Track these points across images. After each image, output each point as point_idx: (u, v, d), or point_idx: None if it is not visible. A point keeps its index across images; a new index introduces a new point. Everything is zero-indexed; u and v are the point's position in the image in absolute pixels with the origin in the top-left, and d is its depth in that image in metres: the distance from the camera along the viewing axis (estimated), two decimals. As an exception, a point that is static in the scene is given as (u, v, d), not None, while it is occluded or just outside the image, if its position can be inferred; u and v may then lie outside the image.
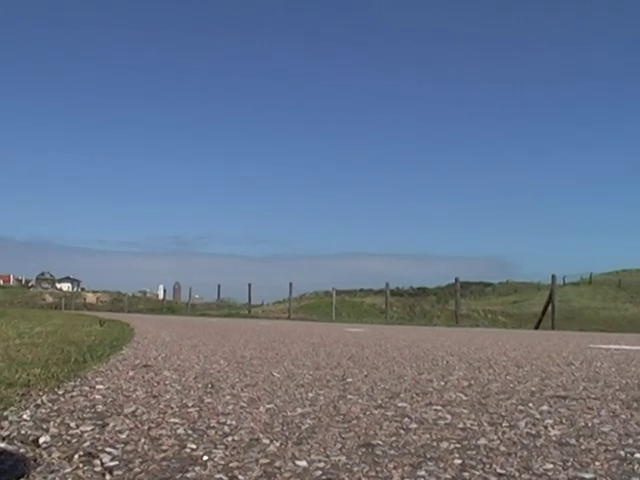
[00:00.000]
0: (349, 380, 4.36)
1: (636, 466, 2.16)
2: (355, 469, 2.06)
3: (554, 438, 2.59)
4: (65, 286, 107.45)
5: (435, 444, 2.44)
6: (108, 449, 2.26)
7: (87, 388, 3.73)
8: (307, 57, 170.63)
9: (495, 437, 2.59)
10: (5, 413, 2.83)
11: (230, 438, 2.47)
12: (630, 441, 2.56)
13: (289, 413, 3.04)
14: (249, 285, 41.01)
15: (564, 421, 2.97)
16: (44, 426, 2.61)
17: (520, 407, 3.35)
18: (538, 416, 3.09)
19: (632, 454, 2.34)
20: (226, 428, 2.66)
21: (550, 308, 24.38)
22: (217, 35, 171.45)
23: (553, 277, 24.96)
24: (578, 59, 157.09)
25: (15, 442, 2.33)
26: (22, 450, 2.22)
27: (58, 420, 2.74)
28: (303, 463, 2.12)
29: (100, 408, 3.08)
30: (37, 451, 2.22)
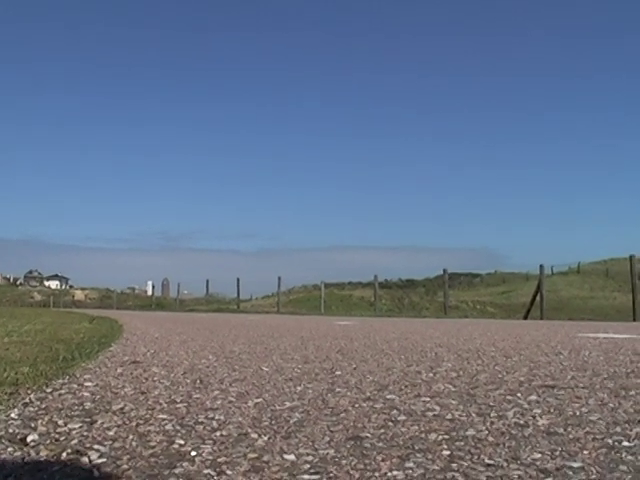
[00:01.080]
0: (338, 373, 4.36)
1: (624, 454, 2.17)
2: (343, 462, 2.06)
3: (542, 428, 2.60)
4: (53, 284, 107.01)
5: (423, 436, 2.44)
6: (96, 446, 2.26)
7: (75, 386, 3.72)
8: (294, 49, 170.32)
9: (483, 428, 2.59)
10: (-7, 412, 2.82)
11: (218, 433, 2.47)
12: (618, 429, 2.57)
13: (278, 407, 3.04)
14: (237, 280, 41.02)
15: (552, 410, 2.98)
16: (32, 424, 2.60)
17: (508, 397, 3.36)
18: (526, 406, 3.10)
19: (620, 442, 2.34)
20: (214, 423, 2.66)
21: (538, 298, 24.47)
22: (212, 27, 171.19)
23: (541, 267, 25.04)
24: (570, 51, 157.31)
25: (3, 441, 2.33)
26: (10, 449, 2.22)
27: (46, 418, 2.73)
28: (291, 457, 2.12)
29: (88, 405, 3.08)
30: (25, 450, 2.21)
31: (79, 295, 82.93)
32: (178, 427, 2.58)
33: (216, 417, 2.79)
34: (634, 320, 20.37)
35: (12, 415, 2.78)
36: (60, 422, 2.66)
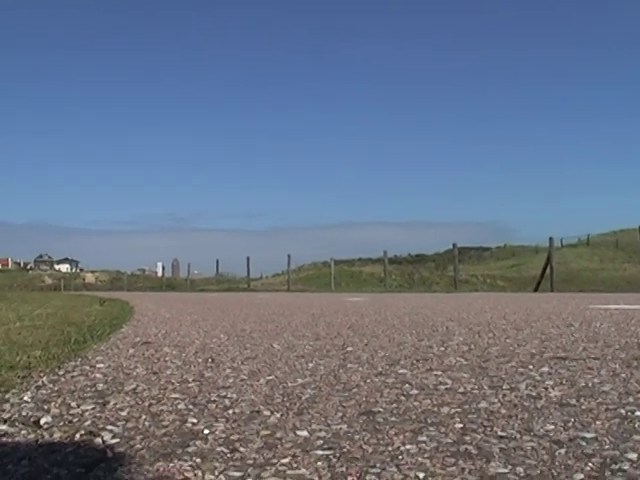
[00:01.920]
0: (349, 349, 4.37)
1: (637, 424, 2.17)
2: (356, 437, 2.06)
3: (555, 399, 2.60)
4: (64, 267, 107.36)
5: (436, 409, 2.45)
6: (109, 427, 2.26)
7: (88, 367, 3.72)
8: (301, 29, 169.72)
9: (496, 400, 2.59)
10: (7, 396, 2.83)
11: (231, 411, 2.47)
12: (630, 399, 2.57)
13: (289, 384, 3.05)
14: (247, 259, 41.06)
15: (564, 382, 2.98)
16: (45, 407, 2.61)
17: (520, 369, 3.36)
18: (538, 378, 3.10)
19: (633, 412, 2.34)
20: (227, 401, 2.66)
21: (548, 270, 24.48)
22: (213, 7, 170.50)
23: (551, 240, 25.04)
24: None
25: (16, 424, 2.33)
26: (23, 432, 2.22)
27: (59, 400, 2.74)
28: (304, 433, 2.12)
29: (101, 387, 3.08)
30: (38, 432, 2.22)
31: (89, 278, 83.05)
32: (191, 406, 2.58)
33: (228, 395, 2.79)
34: (645, 290, 20.34)
35: (25, 398, 2.79)
36: (73, 404, 2.67)
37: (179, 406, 2.59)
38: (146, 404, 2.65)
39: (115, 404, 2.66)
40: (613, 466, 1.72)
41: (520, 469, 1.71)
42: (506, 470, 1.71)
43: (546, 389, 2.81)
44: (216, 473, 1.73)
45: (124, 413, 2.48)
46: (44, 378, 3.32)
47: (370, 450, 1.91)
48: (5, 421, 2.38)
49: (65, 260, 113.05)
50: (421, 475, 1.68)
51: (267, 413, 2.43)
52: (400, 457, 1.83)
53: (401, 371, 3.38)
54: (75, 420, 2.38)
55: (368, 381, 3.09)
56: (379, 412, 2.41)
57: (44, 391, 2.97)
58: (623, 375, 3.13)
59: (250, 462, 1.81)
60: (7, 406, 2.63)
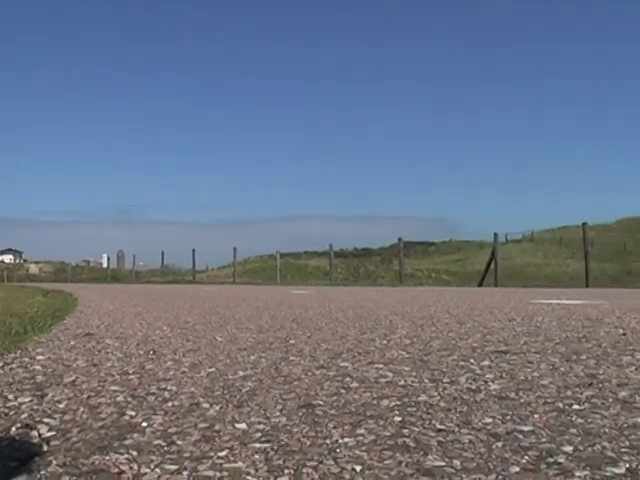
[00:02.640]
0: (292, 342, 4.36)
1: (574, 417, 2.19)
2: (295, 430, 2.05)
3: (494, 392, 2.62)
4: (7, 258, 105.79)
5: (375, 402, 2.45)
6: (46, 420, 2.24)
7: (27, 359, 3.68)
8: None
9: (435, 393, 2.60)
10: (-59, 387, 2.79)
11: (170, 404, 2.46)
12: (569, 393, 2.59)
13: (230, 376, 3.04)
14: (193, 251, 40.89)
15: (504, 375, 3.00)
16: (-19, 399, 2.57)
17: (461, 363, 3.38)
18: (479, 371, 3.12)
19: (570, 405, 2.37)
20: (166, 394, 2.64)
21: (493, 265, 24.71)
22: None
23: (495, 235, 25.27)
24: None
25: (-50, 416, 2.29)
26: (-43, 423, 2.19)
27: (-4, 392, 2.70)
28: (243, 426, 2.11)
29: (40, 379, 3.05)
30: (-27, 424, 2.18)
31: (33, 269, 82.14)
32: (129, 398, 2.56)
33: (168, 388, 2.77)
34: (587, 286, 20.63)
35: (-40, 390, 2.75)
36: (10, 396, 2.63)
37: (118, 398, 2.57)
38: (84, 396, 2.62)
39: (53, 396, 2.63)
40: (549, 459, 1.74)
41: (457, 462, 1.72)
42: (443, 463, 1.71)
43: (486, 382, 2.83)
44: (152, 466, 1.72)
45: (62, 405, 2.46)
46: (-19, 370, 3.27)
47: (308, 443, 1.91)
48: (-61, 413, 2.34)
49: (8, 251, 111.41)
50: (358, 468, 1.68)
51: (206, 406, 2.42)
52: (338, 450, 1.83)
53: (343, 364, 3.38)
54: (12, 413, 2.35)
55: (309, 374, 3.09)
56: (319, 405, 2.41)
57: (-20, 383, 2.92)
58: (562, 369, 3.16)
59: (187, 455, 1.80)
60: (-59, 398, 2.59)
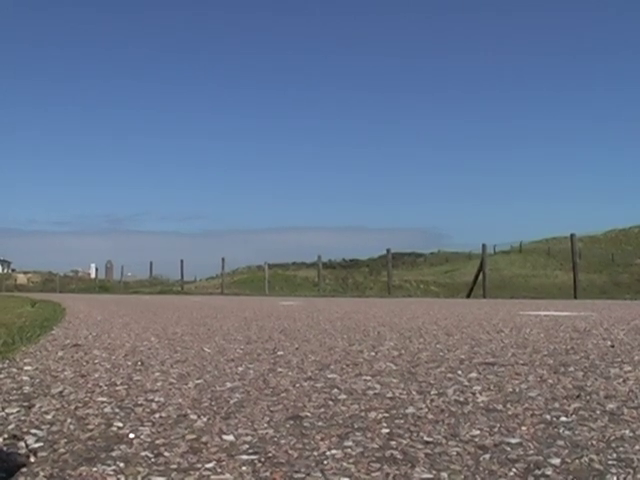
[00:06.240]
0: (280, 353, 4.36)
1: (562, 430, 2.19)
2: (282, 442, 2.05)
3: (482, 404, 2.62)
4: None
5: (363, 414, 2.45)
6: (33, 430, 2.23)
7: (15, 370, 3.67)
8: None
9: (423, 405, 2.61)
10: None
11: (157, 415, 2.46)
12: (556, 405, 2.60)
13: (218, 388, 3.03)
14: (181, 261, 40.78)
15: (492, 387, 3.00)
16: (-32, 410, 2.56)
17: (449, 375, 3.39)
18: (466, 383, 3.12)
19: (558, 418, 2.37)
20: (154, 405, 2.64)
21: (481, 277, 24.73)
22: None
23: (484, 246, 25.30)
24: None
25: (-64, 427, 2.28)
26: (-57, 434, 2.18)
27: (-18, 403, 2.69)
28: (230, 437, 2.11)
29: (27, 389, 3.04)
30: (-41, 435, 2.17)
31: (21, 279, 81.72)
32: (117, 410, 2.56)
33: (156, 399, 2.77)
34: (575, 298, 20.67)
35: (-53, 401, 2.74)
36: (-3, 407, 2.63)
37: (105, 410, 2.56)
38: (72, 407, 2.62)
39: (41, 407, 2.62)
40: (536, 471, 1.74)
41: (444, 474, 1.72)
42: (430, 475, 1.71)
43: (474, 394, 2.83)
44: (139, 478, 1.71)
45: (49, 417, 2.45)
46: (-32, 380, 3.26)
47: (295, 455, 1.91)
48: None
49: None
50: (345, 480, 1.68)
51: (194, 417, 2.41)
52: (325, 462, 1.83)
53: (330, 376, 3.38)
54: (-2, 424, 2.34)
55: (297, 385, 3.09)
56: (306, 417, 2.41)
57: (-33, 394, 2.91)
58: (550, 381, 3.17)
59: (174, 467, 1.80)
60: None
